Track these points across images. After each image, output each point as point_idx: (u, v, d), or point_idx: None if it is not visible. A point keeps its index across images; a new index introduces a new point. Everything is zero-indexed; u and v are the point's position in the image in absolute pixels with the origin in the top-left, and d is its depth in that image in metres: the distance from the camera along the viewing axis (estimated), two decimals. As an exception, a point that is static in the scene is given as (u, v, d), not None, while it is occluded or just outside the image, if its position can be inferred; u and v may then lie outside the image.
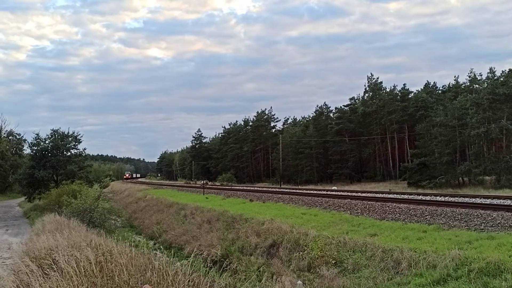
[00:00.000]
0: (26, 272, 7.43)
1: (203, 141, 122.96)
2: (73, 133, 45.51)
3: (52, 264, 7.69)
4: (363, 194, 27.00)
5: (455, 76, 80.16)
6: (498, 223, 12.79)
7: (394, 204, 18.96)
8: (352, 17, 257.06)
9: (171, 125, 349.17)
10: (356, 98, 73.50)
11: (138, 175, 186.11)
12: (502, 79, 51.43)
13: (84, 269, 6.97)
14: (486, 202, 17.94)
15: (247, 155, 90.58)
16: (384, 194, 26.49)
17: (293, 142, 71.48)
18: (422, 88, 70.24)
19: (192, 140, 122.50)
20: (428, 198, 21.82)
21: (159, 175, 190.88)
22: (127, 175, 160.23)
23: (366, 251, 11.92)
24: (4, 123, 75.57)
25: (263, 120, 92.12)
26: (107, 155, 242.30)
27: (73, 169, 41.94)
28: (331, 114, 77.05)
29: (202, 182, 59.88)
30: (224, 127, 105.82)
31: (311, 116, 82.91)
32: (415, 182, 48.13)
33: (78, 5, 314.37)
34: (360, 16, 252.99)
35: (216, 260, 13.93)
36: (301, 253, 13.42)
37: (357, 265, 11.50)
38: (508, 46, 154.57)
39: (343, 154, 66.73)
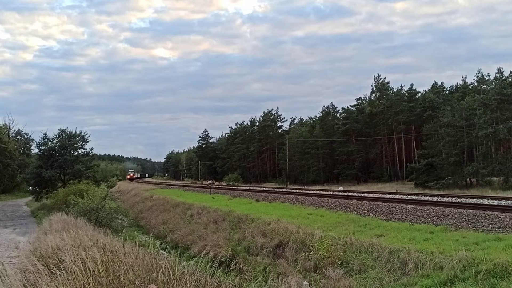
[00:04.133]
0: (33, 271, 7.47)
1: (210, 141, 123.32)
2: (80, 132, 45.75)
3: (59, 263, 7.72)
4: (370, 195, 26.91)
5: (462, 76, 79.73)
6: (506, 224, 12.69)
7: (401, 204, 18.86)
8: (359, 17, 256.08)
9: (178, 125, 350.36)
10: (363, 98, 73.41)
11: (138, 175, 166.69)
12: (510, 79, 51.12)
13: (90, 268, 6.99)
14: (494, 203, 17.81)
15: (253, 155, 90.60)
16: (391, 195, 26.38)
17: (300, 142, 71.37)
18: (430, 88, 69.90)
19: (199, 140, 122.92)
20: (435, 199, 21.71)
21: (166, 174, 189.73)
22: (131, 174, 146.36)
23: (372, 252, 11.88)
24: (12, 123, 76.08)
25: (270, 120, 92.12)
26: (114, 154, 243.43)
27: (80, 168, 42.15)
28: (338, 115, 76.97)
29: (208, 182, 59.99)
30: (231, 127, 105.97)
31: (317, 116, 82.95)
32: (422, 183, 47.92)
33: (84, 5, 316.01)
34: (366, 16, 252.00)
35: (222, 260, 13.92)
36: (307, 253, 13.40)
37: (364, 266, 11.47)
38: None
39: (350, 155, 66.55)
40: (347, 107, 74.62)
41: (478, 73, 61.71)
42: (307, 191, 34.81)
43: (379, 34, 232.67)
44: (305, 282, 10.99)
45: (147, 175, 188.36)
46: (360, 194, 27.60)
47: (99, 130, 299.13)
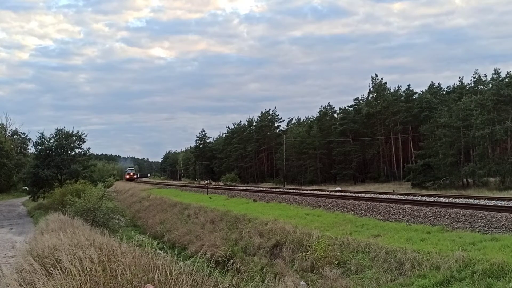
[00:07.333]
0: (29, 271, 7.46)
1: (207, 141, 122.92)
2: (77, 132, 45.58)
3: (56, 263, 7.71)
4: (367, 195, 26.95)
5: (459, 77, 79.39)
6: (502, 224, 12.74)
7: (398, 205, 18.90)
8: (356, 17, 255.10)
9: (175, 125, 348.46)
10: (360, 98, 73.30)
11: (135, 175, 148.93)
12: (507, 80, 51.13)
13: (87, 268, 6.99)
14: (490, 204, 17.87)
15: (250, 155, 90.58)
16: (388, 195, 26.42)
17: (297, 143, 71.38)
18: (427, 89, 69.91)
19: (196, 140, 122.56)
20: (432, 199, 21.76)
21: (159, 175, 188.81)
22: (130, 173, 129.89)
23: (369, 252, 11.90)
24: (8, 122, 76.07)
25: (267, 120, 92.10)
26: (111, 154, 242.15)
27: (77, 168, 42.04)
28: (335, 115, 76.86)
29: (205, 182, 60.01)
30: (228, 127, 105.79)
31: (315, 116, 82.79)
32: (419, 183, 47.96)
33: (80, 4, 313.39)
34: (364, 16, 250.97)
35: (219, 260, 13.93)
36: (304, 253, 13.41)
37: (360, 266, 11.49)
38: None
39: (347, 155, 66.60)
40: (345, 107, 74.63)
41: (475, 73, 61.84)
42: (304, 191, 34.83)
43: (377, 34, 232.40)
44: (302, 282, 10.99)
45: (148, 174, 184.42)
46: (357, 194, 27.62)
47: (96, 129, 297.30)
